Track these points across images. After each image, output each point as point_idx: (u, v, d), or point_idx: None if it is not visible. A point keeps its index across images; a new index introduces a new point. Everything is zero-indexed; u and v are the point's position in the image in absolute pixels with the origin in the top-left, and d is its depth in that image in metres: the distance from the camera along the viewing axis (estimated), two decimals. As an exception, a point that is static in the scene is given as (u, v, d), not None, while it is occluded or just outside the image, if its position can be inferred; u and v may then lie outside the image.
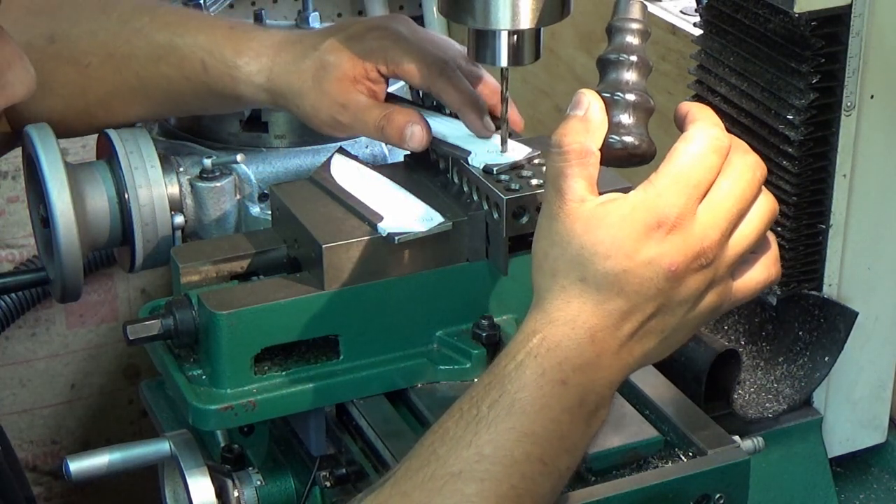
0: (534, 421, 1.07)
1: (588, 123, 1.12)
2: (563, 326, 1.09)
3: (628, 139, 1.13)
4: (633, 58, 1.15)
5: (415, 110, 1.39)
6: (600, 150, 1.13)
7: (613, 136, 1.13)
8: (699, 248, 1.09)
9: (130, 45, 1.47)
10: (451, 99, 1.38)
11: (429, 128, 1.38)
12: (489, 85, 1.42)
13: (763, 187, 1.14)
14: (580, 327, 1.09)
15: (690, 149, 1.11)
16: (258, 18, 1.65)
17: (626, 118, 1.13)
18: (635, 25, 1.16)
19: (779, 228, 1.37)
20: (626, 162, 1.15)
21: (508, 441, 1.07)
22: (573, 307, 1.10)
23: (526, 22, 1.26)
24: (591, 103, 1.13)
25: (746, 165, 1.12)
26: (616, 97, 1.14)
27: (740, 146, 1.14)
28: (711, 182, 1.11)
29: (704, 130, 1.12)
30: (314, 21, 1.71)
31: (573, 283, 1.10)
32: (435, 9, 2.36)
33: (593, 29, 1.96)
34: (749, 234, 1.13)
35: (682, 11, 1.80)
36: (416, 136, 1.38)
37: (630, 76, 1.14)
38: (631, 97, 1.14)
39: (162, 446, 1.29)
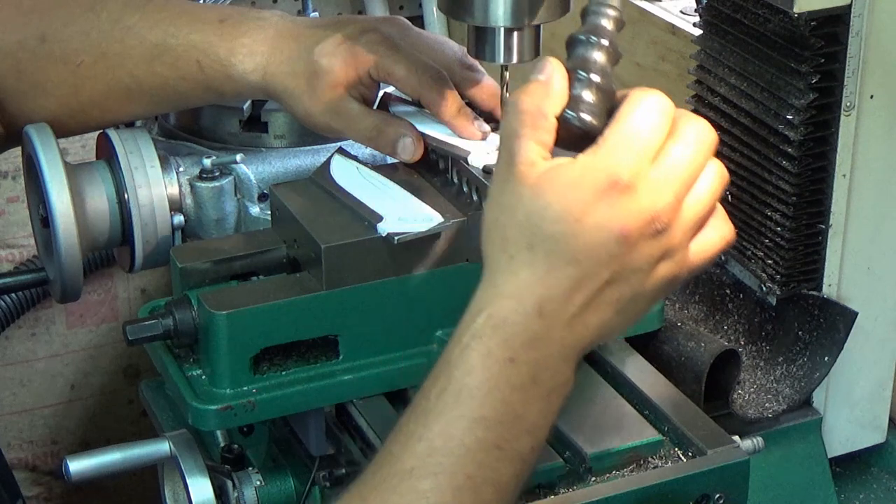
0: (483, 405, 1.04)
1: (548, 88, 1.08)
2: (510, 300, 1.05)
3: (586, 117, 1.08)
4: (604, 41, 1.10)
5: (406, 121, 1.39)
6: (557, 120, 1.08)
7: (571, 110, 1.09)
8: (652, 211, 1.05)
9: (122, 45, 1.47)
10: (439, 110, 1.38)
11: (420, 139, 1.38)
12: (487, 88, 1.42)
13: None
14: (527, 299, 1.05)
15: (636, 111, 1.07)
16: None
17: (587, 95, 1.09)
18: (611, 12, 1.12)
19: (779, 228, 1.37)
20: (579, 142, 1.10)
21: (458, 430, 1.04)
22: (520, 278, 1.05)
23: (525, 19, 1.26)
24: (554, 70, 1.09)
25: (696, 129, 1.08)
26: (580, 75, 1.09)
27: (687, 112, 1.10)
28: (661, 144, 1.07)
29: (647, 93, 1.08)
30: (314, 20, 1.70)
31: (520, 251, 1.06)
32: (435, 8, 2.36)
33: (593, 29, 1.95)
34: (702, 199, 1.08)
35: (682, 11, 1.80)
36: (407, 149, 1.37)
37: (597, 57, 1.10)
38: (595, 78, 1.09)
39: (162, 446, 1.29)
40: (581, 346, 1.07)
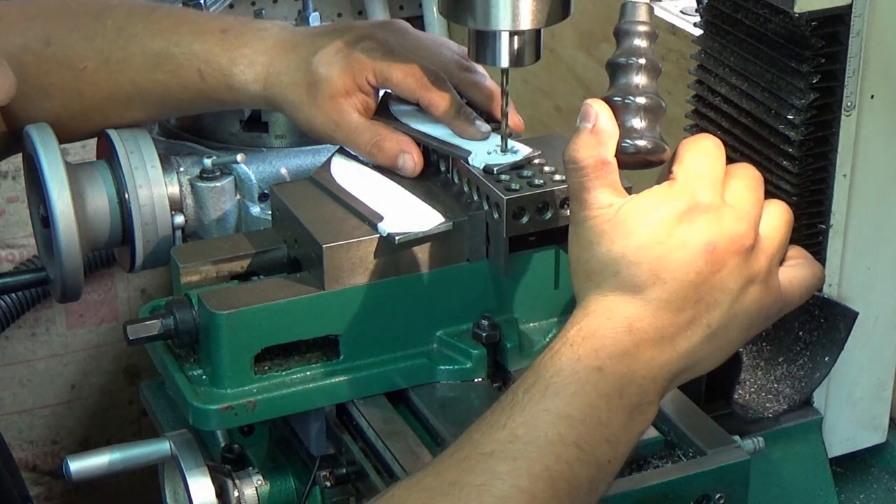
0: (569, 403, 1.06)
1: (600, 135, 1.12)
2: (600, 317, 1.08)
3: (641, 143, 1.14)
4: (642, 60, 1.15)
5: (406, 136, 1.40)
6: (615, 156, 1.13)
7: (626, 140, 1.13)
8: (736, 227, 1.09)
9: (125, 52, 1.47)
10: (439, 112, 1.38)
11: (421, 154, 1.39)
12: (486, 89, 1.42)
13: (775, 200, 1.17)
14: (617, 317, 1.08)
15: (698, 150, 1.12)
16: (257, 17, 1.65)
17: (637, 122, 1.14)
18: (642, 28, 1.16)
19: (779, 228, 1.37)
20: (640, 165, 1.16)
21: (542, 422, 1.05)
22: (609, 299, 1.09)
23: (526, 23, 1.26)
24: (598, 113, 1.13)
25: (746, 167, 1.14)
26: (627, 101, 1.14)
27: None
28: (723, 173, 1.12)
29: (701, 137, 1.14)
30: (314, 21, 1.71)
31: (608, 280, 1.09)
32: (435, 9, 2.37)
33: (593, 29, 1.95)
34: (776, 228, 1.13)
35: (682, 11, 1.80)
36: (408, 165, 1.38)
37: (639, 79, 1.15)
38: (641, 100, 1.14)
39: (162, 446, 1.29)
40: (670, 369, 1.09)
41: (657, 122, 1.15)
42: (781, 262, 1.18)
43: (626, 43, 1.17)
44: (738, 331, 1.12)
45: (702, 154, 1.13)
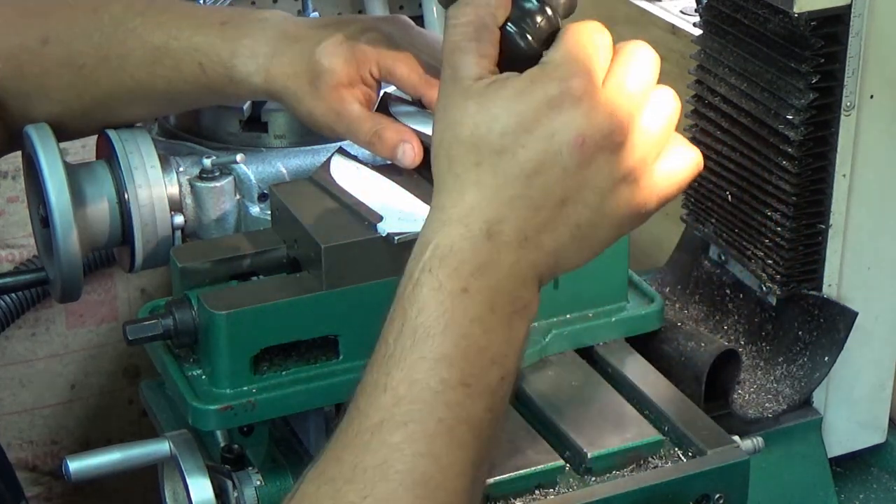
0: (442, 342, 0.99)
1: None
2: (457, 225, 1.00)
3: (529, 37, 1.03)
4: None
5: (407, 127, 1.39)
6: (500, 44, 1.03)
7: (514, 25, 1.03)
8: (609, 122, 0.99)
9: (125, 47, 1.47)
10: None
11: (421, 145, 1.38)
12: None
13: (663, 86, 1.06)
14: (474, 223, 0.99)
15: (581, 33, 1.02)
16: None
17: (535, 17, 1.03)
18: None
19: (779, 228, 1.37)
20: (520, 65, 1.02)
21: (421, 373, 0.98)
22: (467, 199, 1.00)
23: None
24: None
25: (639, 51, 1.04)
26: None
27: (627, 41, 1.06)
28: (607, 62, 1.02)
29: (586, 22, 1.04)
30: (314, 21, 1.70)
31: (468, 170, 1.00)
32: (435, 8, 2.37)
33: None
34: (657, 121, 1.03)
35: (682, 11, 1.80)
36: (407, 155, 1.37)
37: None
38: (547, 8, 1.03)
39: (162, 446, 1.29)
40: (538, 269, 1.02)
41: (550, 36, 1.03)
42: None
43: None
44: (609, 229, 1.03)
45: (583, 36, 1.02)
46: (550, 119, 0.99)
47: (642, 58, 1.04)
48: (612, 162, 1.01)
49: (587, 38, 1.02)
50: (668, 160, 1.05)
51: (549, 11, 1.04)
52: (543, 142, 0.99)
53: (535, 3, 1.04)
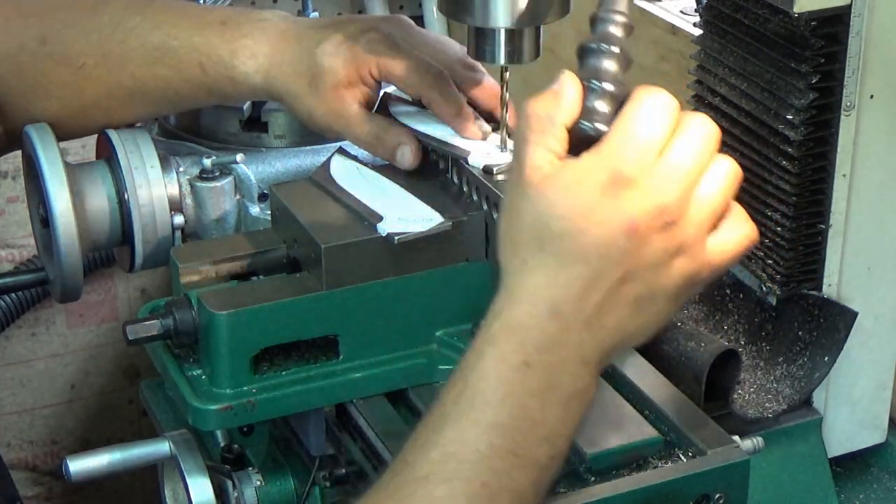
0: (498, 411, 1.02)
1: (559, 98, 1.08)
2: (524, 304, 1.04)
3: (601, 126, 1.09)
4: (615, 49, 1.11)
5: (406, 129, 1.40)
6: (569, 132, 1.08)
7: (585, 121, 1.09)
8: (659, 203, 1.04)
9: (124, 46, 1.47)
10: (441, 111, 1.38)
11: (419, 148, 1.38)
12: (488, 88, 1.42)
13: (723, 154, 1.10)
14: (541, 302, 1.04)
15: (640, 109, 1.07)
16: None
17: (600, 105, 1.10)
18: (619, 18, 1.13)
19: (779, 228, 1.37)
20: (591, 144, 1.09)
21: (473, 436, 1.02)
22: (533, 280, 1.04)
23: (525, 20, 1.26)
24: (566, 81, 1.09)
25: (698, 124, 1.08)
26: (592, 84, 1.10)
27: (689, 111, 1.10)
28: (665, 140, 1.06)
29: (649, 91, 1.08)
30: (314, 21, 1.70)
31: (532, 254, 1.05)
32: (435, 8, 2.36)
33: (593, 29, 1.95)
34: (713, 194, 1.07)
35: (682, 11, 1.80)
36: (406, 158, 1.38)
37: (609, 66, 1.11)
38: (608, 87, 1.10)
39: (162, 446, 1.29)
40: (601, 349, 1.06)
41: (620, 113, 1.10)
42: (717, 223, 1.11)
43: (600, 29, 1.12)
44: (664, 301, 1.07)
45: (644, 112, 1.06)
46: (603, 206, 1.03)
47: (700, 132, 1.08)
48: (665, 239, 1.05)
49: (645, 115, 1.06)
50: (722, 233, 1.09)
51: (615, 95, 1.10)
52: (599, 227, 1.03)
53: (600, 92, 1.09)
